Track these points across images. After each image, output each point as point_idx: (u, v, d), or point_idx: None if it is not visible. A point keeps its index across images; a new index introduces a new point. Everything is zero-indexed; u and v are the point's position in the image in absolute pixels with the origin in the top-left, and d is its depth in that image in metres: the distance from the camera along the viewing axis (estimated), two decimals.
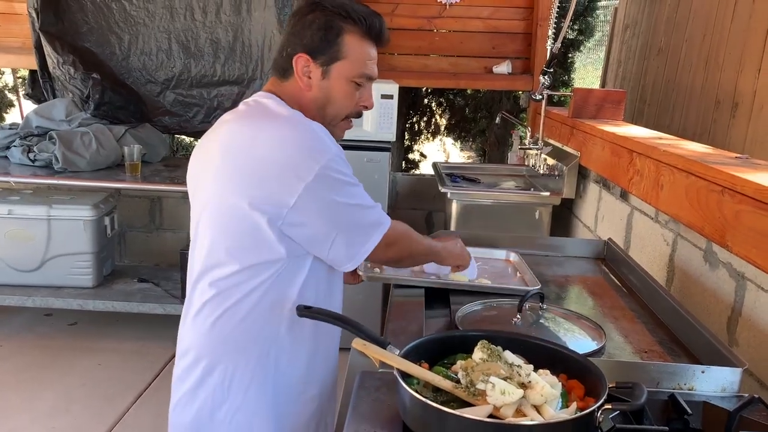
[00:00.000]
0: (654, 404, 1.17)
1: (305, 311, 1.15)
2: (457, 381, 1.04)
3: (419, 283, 1.69)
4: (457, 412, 0.93)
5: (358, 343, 1.08)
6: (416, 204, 4.28)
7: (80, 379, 3.26)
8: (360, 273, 1.67)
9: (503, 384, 0.98)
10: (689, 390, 1.22)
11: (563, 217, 3.35)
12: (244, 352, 1.35)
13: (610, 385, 1.03)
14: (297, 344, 1.39)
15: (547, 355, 1.15)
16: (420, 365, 1.09)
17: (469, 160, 6.26)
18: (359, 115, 1.50)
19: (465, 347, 1.13)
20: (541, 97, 3.21)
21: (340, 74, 1.39)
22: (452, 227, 3.14)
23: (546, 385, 0.99)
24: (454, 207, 3.14)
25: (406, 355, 1.09)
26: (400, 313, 1.56)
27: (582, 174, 3.06)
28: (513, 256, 1.99)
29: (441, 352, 1.16)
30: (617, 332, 1.53)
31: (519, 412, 0.98)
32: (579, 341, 1.44)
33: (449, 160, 7.40)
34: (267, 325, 1.35)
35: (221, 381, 1.35)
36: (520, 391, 0.97)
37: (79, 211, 3.52)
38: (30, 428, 2.85)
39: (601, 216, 2.82)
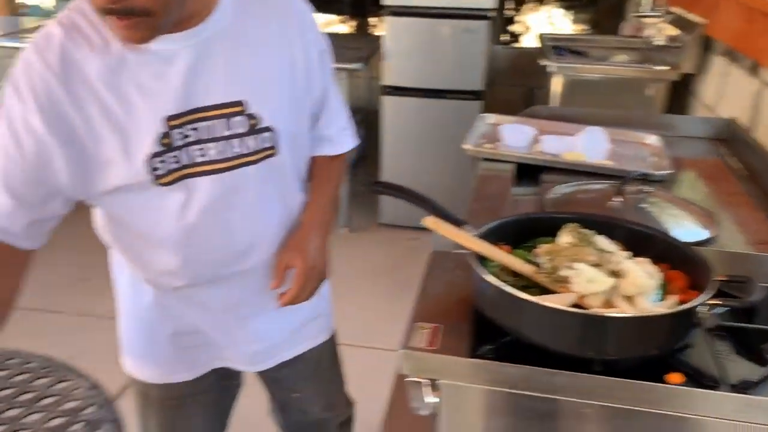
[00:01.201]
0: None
1: (378, 187, 1.06)
2: (538, 266, 0.94)
3: (509, 158, 1.56)
4: (535, 299, 0.84)
5: (429, 221, 0.99)
6: (517, 80, 4.01)
7: None
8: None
9: (591, 271, 0.87)
10: None
11: (680, 96, 3.02)
12: None
13: (719, 278, 0.90)
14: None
15: (646, 242, 1.01)
16: (499, 248, 1.00)
17: (581, 32, 5.77)
18: (111, 12, 0.91)
19: (552, 231, 1.01)
20: None
21: None
22: (555, 105, 2.91)
23: (641, 273, 0.87)
24: (558, 82, 2.90)
25: (484, 236, 1.00)
26: (485, 191, 1.45)
27: (706, 46, 2.70)
28: (653, 139, 1.79)
29: (524, 235, 1.05)
30: (732, 221, 1.35)
31: (608, 304, 0.87)
32: (686, 229, 1.29)
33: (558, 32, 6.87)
34: None
35: None
36: (611, 280, 0.86)
37: None
38: None
39: (724, 94, 2.51)
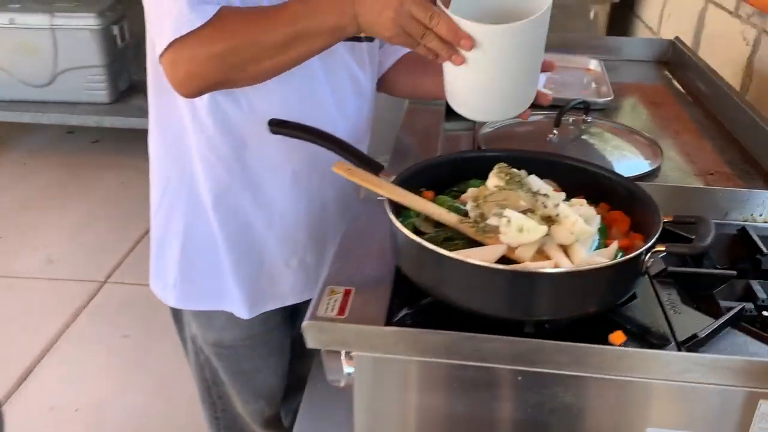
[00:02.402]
0: (719, 239, 0.93)
1: (277, 127, 0.91)
2: (466, 214, 0.82)
3: None
4: (454, 254, 0.71)
5: (341, 167, 0.84)
6: None
7: (103, 196, 3.20)
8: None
9: (521, 219, 0.75)
10: (764, 222, 0.97)
11: (623, 18, 2.91)
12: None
13: (666, 219, 0.79)
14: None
15: (584, 180, 0.91)
16: (421, 194, 0.87)
17: None
18: None
19: (481, 172, 0.89)
20: None
21: None
22: None
23: (578, 219, 0.76)
24: None
25: (404, 182, 0.86)
26: (414, 126, 1.32)
27: None
28: (594, 64, 1.67)
29: (450, 178, 0.92)
30: (677, 150, 1.25)
31: (542, 254, 0.76)
32: (629, 161, 1.19)
33: None
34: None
35: None
36: (543, 228, 0.74)
37: (84, 20, 3.23)
38: (59, 244, 2.85)
39: (668, 14, 2.40)
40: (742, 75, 1.76)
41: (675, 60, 1.74)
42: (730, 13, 1.85)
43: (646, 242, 0.76)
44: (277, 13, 0.90)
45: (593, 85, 1.56)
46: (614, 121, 1.32)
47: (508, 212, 0.76)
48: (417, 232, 0.82)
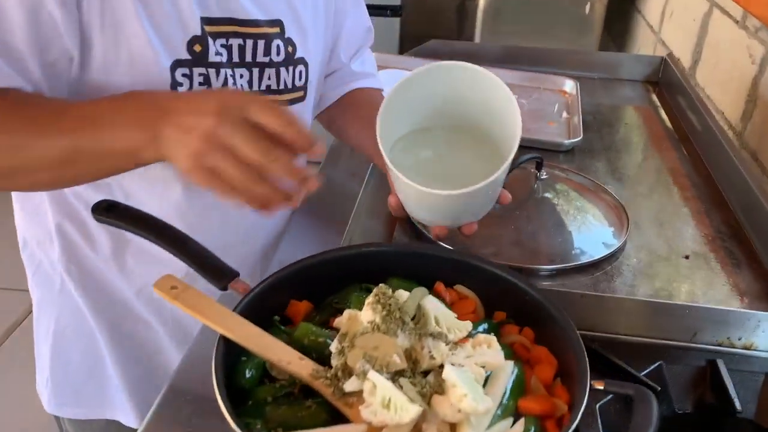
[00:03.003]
0: (683, 370, 0.71)
1: (102, 214, 0.69)
2: (328, 358, 0.60)
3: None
4: None
5: (163, 285, 0.62)
6: None
7: None
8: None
9: (387, 389, 0.53)
10: (744, 349, 0.75)
11: (622, 13, 2.63)
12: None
13: (597, 385, 0.57)
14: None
15: (504, 291, 0.68)
16: (275, 323, 0.65)
17: None
18: None
19: (372, 275, 0.67)
20: None
21: None
22: (478, 29, 2.50)
23: (467, 393, 0.53)
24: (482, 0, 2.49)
25: (266, 294, 0.64)
26: (337, 163, 1.09)
27: None
28: (569, 86, 1.43)
29: (334, 281, 0.70)
30: (651, 215, 1.02)
31: None
32: (590, 232, 0.97)
33: None
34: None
35: None
36: (415, 409, 0.52)
37: None
38: None
39: (670, 12, 2.13)
40: (745, 99, 1.51)
41: (665, 81, 1.50)
42: (737, 22, 1.59)
43: (570, 411, 0.55)
44: (53, 115, 0.66)
45: (564, 114, 1.32)
46: (580, 172, 1.09)
47: (372, 375, 0.54)
48: (267, 375, 0.62)
